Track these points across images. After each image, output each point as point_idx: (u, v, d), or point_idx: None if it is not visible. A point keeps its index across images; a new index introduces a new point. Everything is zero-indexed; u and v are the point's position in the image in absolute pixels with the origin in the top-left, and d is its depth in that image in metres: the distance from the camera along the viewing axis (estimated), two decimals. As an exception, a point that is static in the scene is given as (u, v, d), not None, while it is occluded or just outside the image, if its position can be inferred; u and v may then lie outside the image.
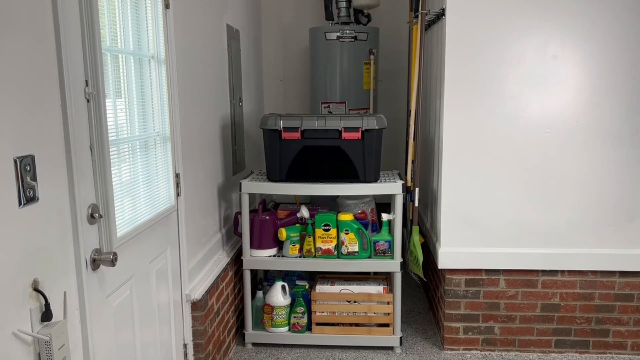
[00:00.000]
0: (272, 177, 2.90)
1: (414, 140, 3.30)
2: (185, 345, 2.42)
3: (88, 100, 1.60)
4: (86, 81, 1.58)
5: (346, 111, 3.84)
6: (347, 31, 3.74)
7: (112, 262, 1.63)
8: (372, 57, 3.78)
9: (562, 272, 2.84)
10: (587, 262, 2.80)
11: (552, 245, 2.82)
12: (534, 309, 2.89)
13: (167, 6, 2.19)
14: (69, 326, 1.49)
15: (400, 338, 2.96)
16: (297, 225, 3.02)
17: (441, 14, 2.83)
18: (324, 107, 3.84)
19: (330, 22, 3.91)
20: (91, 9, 1.56)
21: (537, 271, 2.85)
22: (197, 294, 2.45)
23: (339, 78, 3.84)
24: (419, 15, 2.91)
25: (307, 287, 3.10)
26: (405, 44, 4.19)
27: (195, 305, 2.46)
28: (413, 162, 3.21)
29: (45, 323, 1.37)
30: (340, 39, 3.74)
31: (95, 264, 1.63)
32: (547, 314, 2.88)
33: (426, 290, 3.64)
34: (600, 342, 2.89)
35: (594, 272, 2.83)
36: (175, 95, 2.26)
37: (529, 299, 2.88)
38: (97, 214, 1.63)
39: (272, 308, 2.98)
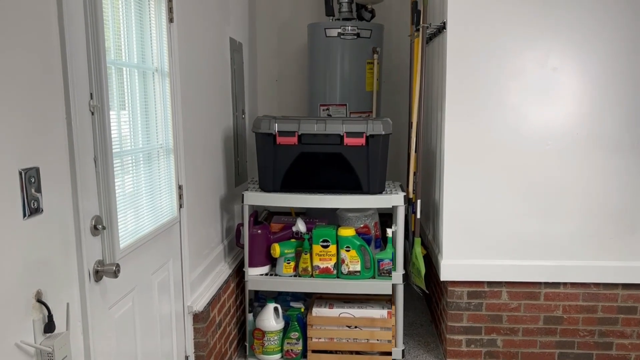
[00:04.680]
0: (265, 187, 2.80)
1: (414, 151, 3.31)
2: (186, 357, 2.41)
3: (92, 113, 1.61)
4: (91, 94, 1.60)
5: (347, 114, 3.63)
6: (350, 27, 3.48)
7: (115, 274, 1.64)
8: (375, 56, 3.56)
9: (565, 284, 2.83)
10: (589, 274, 2.80)
11: (554, 257, 2.82)
12: (536, 322, 2.87)
13: (171, 20, 2.21)
14: (72, 337, 1.49)
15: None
16: (292, 240, 2.88)
17: (442, 27, 2.86)
18: (323, 110, 3.65)
19: (331, 18, 3.65)
20: (96, 22, 1.58)
21: (539, 283, 2.84)
22: (199, 306, 2.45)
23: (340, 78, 3.60)
24: (420, 29, 2.93)
25: (302, 309, 2.94)
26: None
27: (197, 317, 2.45)
28: (414, 173, 3.21)
29: (47, 334, 1.38)
30: (342, 36, 3.49)
31: (98, 275, 1.64)
32: (550, 326, 2.87)
33: (428, 302, 3.63)
34: (603, 355, 2.87)
35: (597, 285, 2.82)
36: (178, 107, 2.28)
37: (531, 312, 2.87)
38: (100, 226, 1.64)
39: (263, 333, 2.81)
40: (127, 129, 1.88)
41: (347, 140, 2.65)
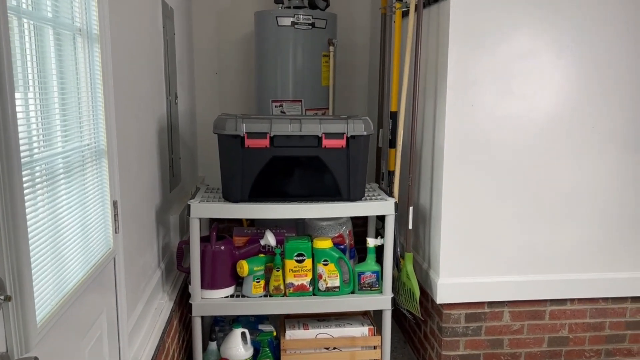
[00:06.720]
0: (230, 196, 2.25)
1: (391, 147, 2.82)
2: None
3: (-18, 96, 0.90)
4: (-22, 61, 0.89)
5: (302, 111, 3.22)
6: (303, 16, 3.12)
7: (32, 376, 0.95)
8: (331, 48, 3.19)
9: (572, 300, 2.47)
10: (599, 288, 2.46)
11: (561, 270, 2.45)
12: (540, 344, 2.50)
13: (98, -43, 1.48)
14: None
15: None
16: (261, 255, 2.38)
17: (437, -4, 2.34)
18: (276, 107, 3.19)
19: (280, 5, 3.27)
20: None
21: (545, 301, 2.46)
22: (142, 366, 1.77)
23: (293, 72, 3.19)
24: (413, -2, 2.40)
25: (274, 333, 2.47)
26: (365, 35, 3.68)
27: (139, 383, 1.77)
28: (391, 173, 2.71)
29: None
30: (296, 26, 3.11)
31: (-1, 382, 0.93)
32: (555, 348, 2.51)
33: (398, 320, 3.14)
34: (607, 375, 2.57)
35: (605, 299, 2.49)
36: (110, 89, 1.56)
37: (535, 333, 2.48)
38: (2, 296, 0.93)
39: (231, 363, 2.34)
40: (35, 123, 1.16)
41: (326, 142, 2.23)
